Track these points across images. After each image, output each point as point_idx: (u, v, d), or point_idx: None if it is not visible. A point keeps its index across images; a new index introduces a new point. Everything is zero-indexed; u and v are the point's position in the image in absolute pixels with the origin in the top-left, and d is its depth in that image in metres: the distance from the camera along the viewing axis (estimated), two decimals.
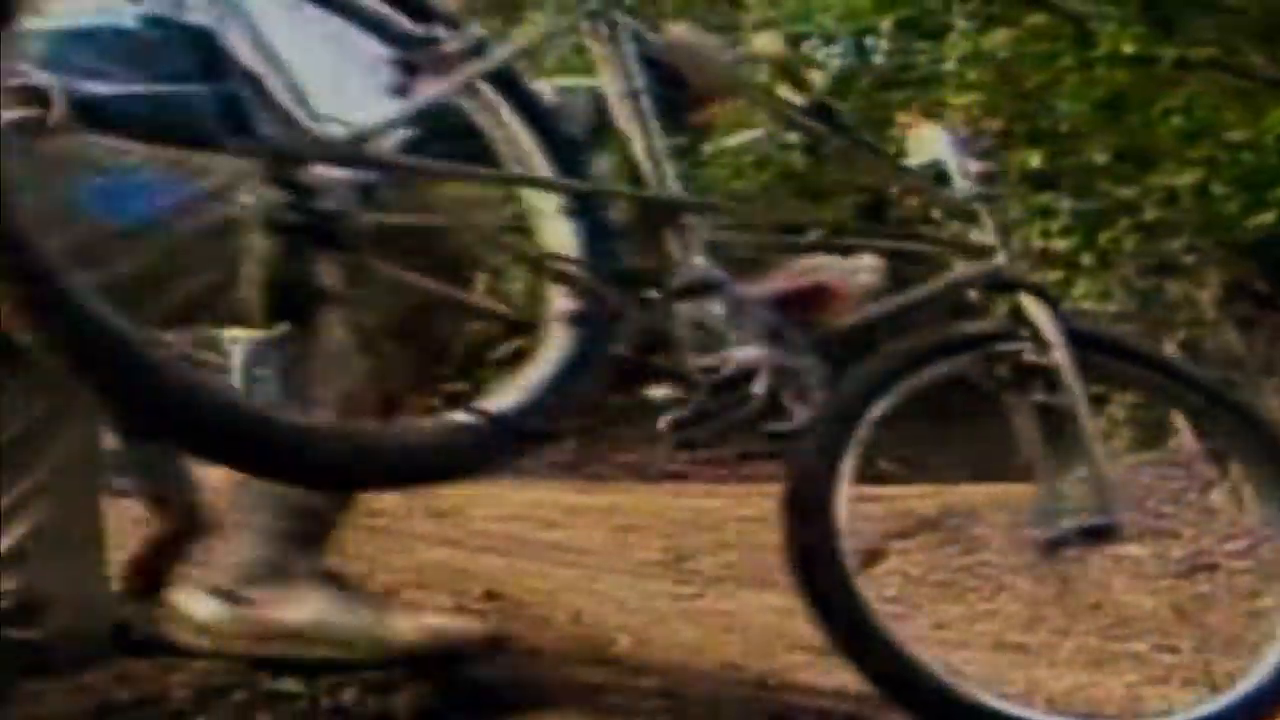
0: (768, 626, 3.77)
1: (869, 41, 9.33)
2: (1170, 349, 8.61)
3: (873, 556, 6.33)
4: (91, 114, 1.66)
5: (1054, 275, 6.97)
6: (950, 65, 7.10)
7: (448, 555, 3.47)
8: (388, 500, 2.98)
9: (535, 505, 6.09)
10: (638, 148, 1.90)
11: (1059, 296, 2.52)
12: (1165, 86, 6.36)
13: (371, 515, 2.69)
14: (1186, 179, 6.93)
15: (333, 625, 1.75)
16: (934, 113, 7.49)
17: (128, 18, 1.87)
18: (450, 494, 5.56)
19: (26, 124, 1.51)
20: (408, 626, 1.77)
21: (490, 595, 3.01)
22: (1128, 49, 5.99)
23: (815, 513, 1.96)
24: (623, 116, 1.92)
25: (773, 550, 6.42)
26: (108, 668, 1.77)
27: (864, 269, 2.11)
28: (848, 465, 1.96)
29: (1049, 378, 2.15)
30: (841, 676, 3.03)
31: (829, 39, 9.45)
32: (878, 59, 9.46)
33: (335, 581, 1.83)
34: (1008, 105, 6.69)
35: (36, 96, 1.57)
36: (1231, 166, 6.79)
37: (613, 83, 1.93)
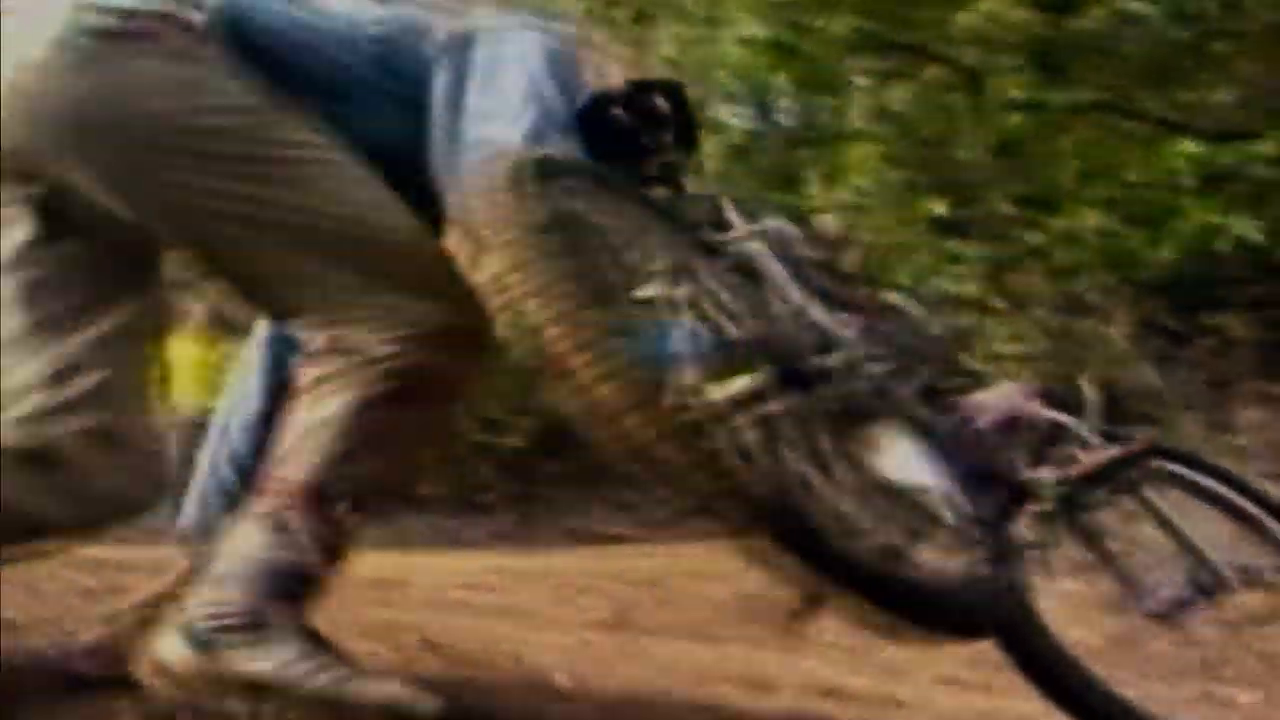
0: (705, 665, 3.85)
1: (773, 101, 9.55)
2: (1086, 388, 8.79)
3: (812, 601, 6.41)
4: (245, 41, 1.83)
5: (966, 320, 7.15)
6: (855, 122, 7.30)
7: (388, 613, 3.51)
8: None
9: (477, 571, 6.10)
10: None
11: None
12: (1058, 131, 6.58)
13: None
14: (1089, 221, 7.15)
15: (293, 680, 1.76)
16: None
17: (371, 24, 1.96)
18: (390, 563, 5.59)
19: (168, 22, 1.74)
20: (369, 691, 1.78)
21: (428, 643, 3.06)
22: (1017, 94, 6.21)
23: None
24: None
25: (712, 604, 6.42)
26: (53, 703, 1.83)
27: (1023, 395, 2.28)
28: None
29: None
30: (776, 703, 3.13)
31: (732, 96, 9.66)
32: (782, 119, 9.69)
33: (312, 638, 1.82)
34: (908, 155, 6.89)
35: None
36: (1130, 205, 7.02)
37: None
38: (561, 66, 1.98)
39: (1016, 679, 4.83)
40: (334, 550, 1.85)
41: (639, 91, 2.11)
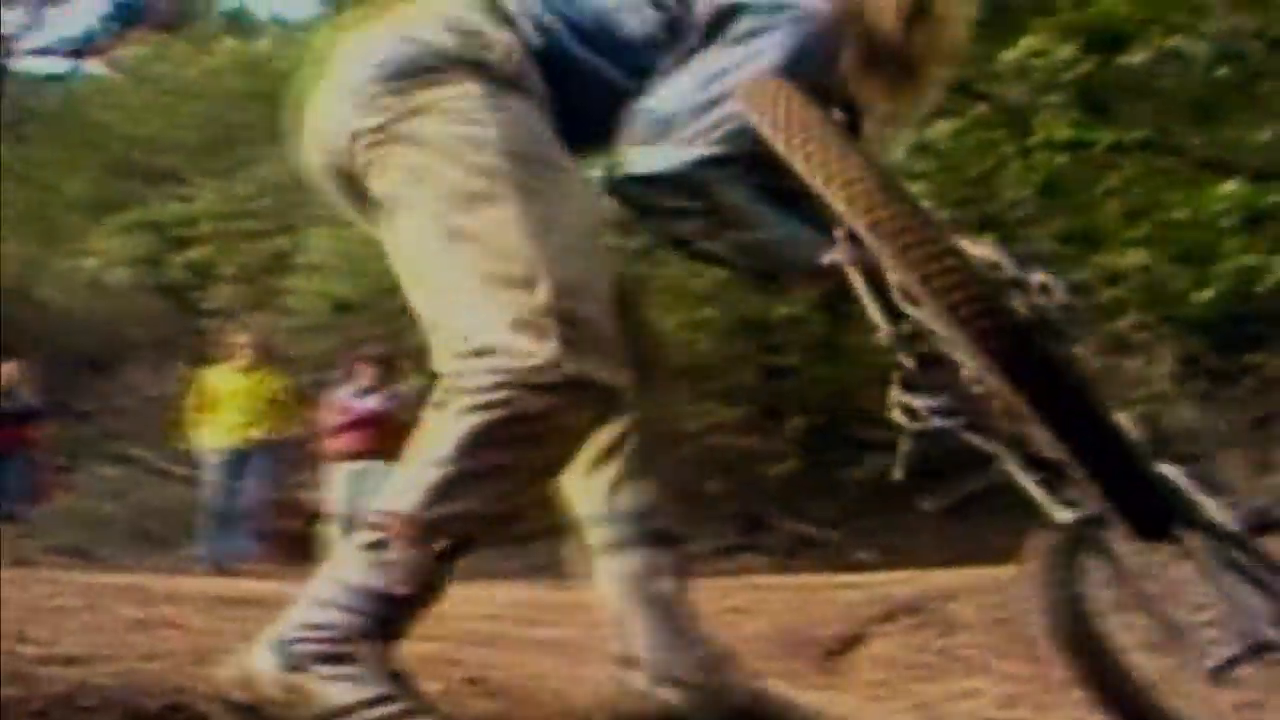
0: None
1: None
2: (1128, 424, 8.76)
3: (853, 641, 6.41)
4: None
5: None
6: (898, 156, 7.30)
7: (431, 648, 3.52)
8: None
9: (516, 604, 6.11)
10: None
11: None
12: (1102, 170, 6.57)
13: None
14: (1131, 259, 7.14)
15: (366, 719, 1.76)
16: None
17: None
18: None
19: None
20: None
21: (473, 681, 3.08)
22: (1063, 134, 6.22)
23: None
24: None
25: (751, 640, 6.43)
26: None
27: None
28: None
29: None
30: None
31: None
32: None
33: (395, 680, 1.80)
34: (952, 192, 6.89)
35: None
36: (1173, 244, 7.01)
37: None
38: (811, 57, 2.04)
39: None
40: (430, 585, 1.86)
41: None
